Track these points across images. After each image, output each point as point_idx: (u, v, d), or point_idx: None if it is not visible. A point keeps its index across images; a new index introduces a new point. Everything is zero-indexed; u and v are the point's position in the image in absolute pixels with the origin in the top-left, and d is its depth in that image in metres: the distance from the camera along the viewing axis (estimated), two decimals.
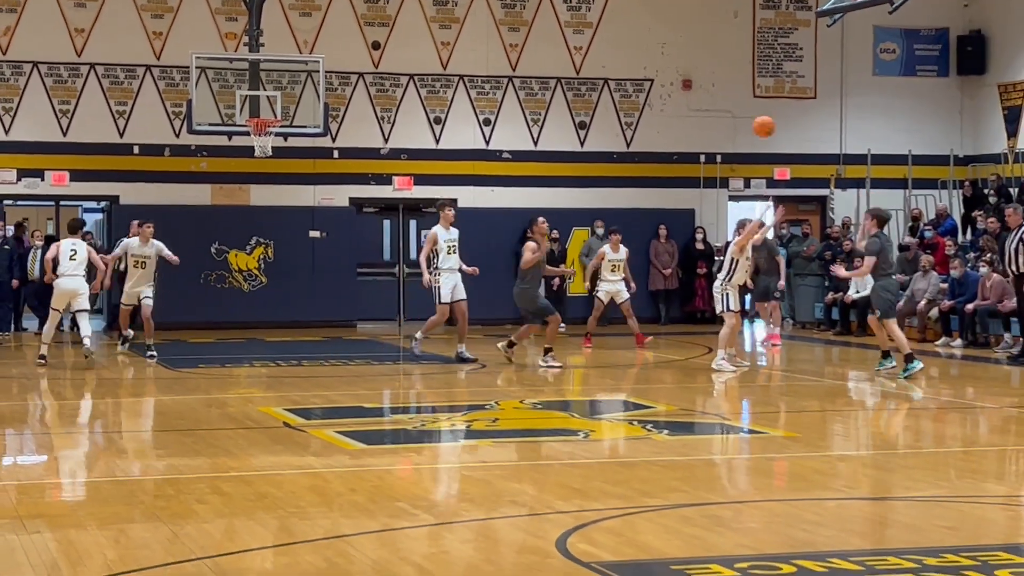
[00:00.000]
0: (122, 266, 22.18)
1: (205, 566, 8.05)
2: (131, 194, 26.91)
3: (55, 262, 20.37)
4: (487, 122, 28.92)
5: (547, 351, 20.05)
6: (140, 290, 21.39)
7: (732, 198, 30.48)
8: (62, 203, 28.64)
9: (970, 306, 23.17)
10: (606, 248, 23.36)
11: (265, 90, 24.09)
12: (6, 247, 25.61)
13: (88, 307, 20.70)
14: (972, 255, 25.19)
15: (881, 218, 18.78)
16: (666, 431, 13.77)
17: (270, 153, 23.96)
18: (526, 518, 9.45)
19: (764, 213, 23.33)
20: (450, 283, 20.69)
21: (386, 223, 29.07)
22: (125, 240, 21.86)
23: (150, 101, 27.31)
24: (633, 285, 23.71)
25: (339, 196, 28.35)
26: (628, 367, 21.20)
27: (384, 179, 28.58)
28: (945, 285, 24.21)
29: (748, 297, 25.88)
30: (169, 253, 21.33)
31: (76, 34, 26.95)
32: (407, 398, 18.14)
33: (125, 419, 15.35)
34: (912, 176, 30.52)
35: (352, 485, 10.60)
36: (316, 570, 8.00)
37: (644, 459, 12.12)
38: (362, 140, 28.33)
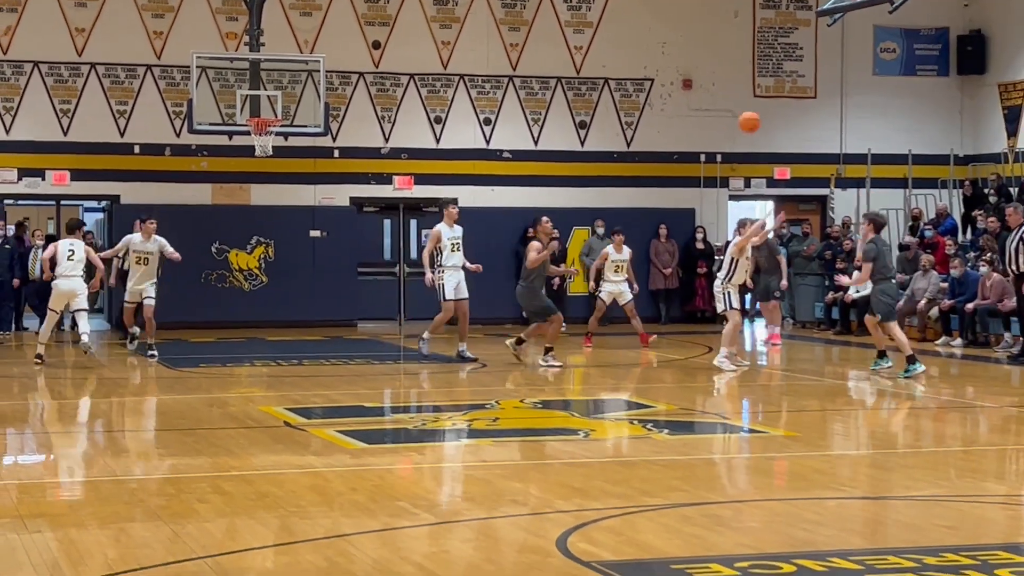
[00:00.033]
0: (125, 264, 22.13)
1: (206, 565, 8.05)
2: (132, 194, 26.92)
3: (53, 261, 20.39)
4: (487, 122, 28.94)
5: (547, 350, 20.05)
6: (143, 288, 21.37)
7: (732, 197, 30.50)
8: (63, 202, 28.66)
9: (970, 305, 23.18)
10: (609, 249, 23.34)
11: (266, 90, 24.10)
12: (7, 246, 25.62)
13: (87, 306, 20.70)
14: (972, 254, 25.20)
15: (878, 223, 18.88)
16: (666, 430, 13.78)
17: (270, 153, 23.97)
18: (527, 517, 9.46)
19: (767, 216, 23.35)
20: (453, 281, 20.65)
21: (387, 222, 29.07)
22: (128, 236, 21.82)
23: (151, 101, 27.33)
24: (636, 286, 23.72)
25: (340, 196, 28.36)
26: (628, 366, 21.21)
27: (384, 179, 28.59)
28: (945, 284, 24.22)
29: (748, 296, 25.92)
30: (171, 249, 21.33)
31: (77, 34, 26.97)
32: (408, 397, 18.16)
33: (126, 418, 15.36)
34: (912, 176, 30.52)
35: (353, 484, 10.61)
36: (317, 569, 8.00)
37: (644, 458, 12.13)
38: (362, 140, 28.34)
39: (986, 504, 10.20)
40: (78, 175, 27.11)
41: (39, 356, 20.05)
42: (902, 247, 27.32)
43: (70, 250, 20.46)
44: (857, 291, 24.67)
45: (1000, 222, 23.96)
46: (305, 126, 24.72)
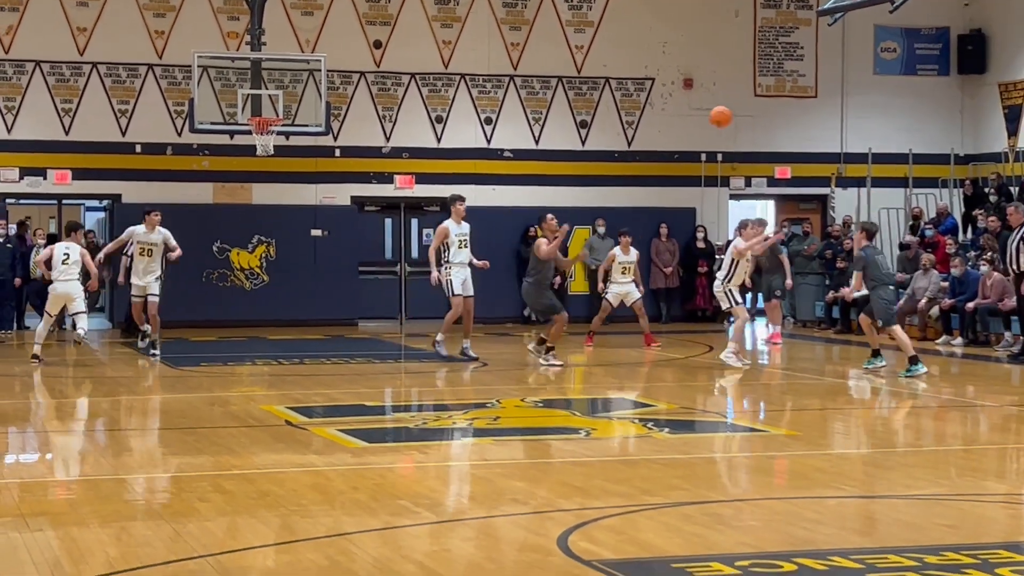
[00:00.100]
0: (129, 251, 21.94)
1: (207, 564, 8.06)
2: (133, 193, 26.94)
3: (50, 264, 20.44)
4: (488, 121, 28.95)
5: (549, 349, 20.05)
6: (147, 283, 21.32)
7: (733, 197, 30.53)
8: (64, 202, 28.68)
9: (971, 305, 23.20)
10: (616, 250, 23.30)
11: (267, 89, 24.10)
12: (8, 246, 25.66)
13: (84, 309, 20.73)
14: (973, 254, 25.22)
15: (870, 231, 19.16)
16: (667, 429, 13.79)
17: (272, 152, 23.98)
18: (527, 516, 9.47)
19: (769, 229, 23.36)
20: (460, 277, 20.52)
21: (388, 222, 29.09)
22: (131, 228, 21.77)
23: (152, 100, 27.36)
24: (642, 287, 23.73)
25: (341, 195, 28.38)
26: (629, 366, 21.21)
27: (386, 178, 28.61)
28: (946, 284, 24.23)
29: (749, 295, 25.94)
30: (174, 243, 21.34)
31: (78, 33, 26.99)
32: (409, 396, 18.16)
33: (127, 417, 15.37)
34: (913, 175, 30.54)
35: (354, 483, 10.62)
36: (318, 568, 8.01)
37: (645, 457, 12.14)
38: (364, 139, 28.36)
39: (987, 503, 10.20)
40: (80, 174, 27.13)
41: (36, 356, 20.08)
42: (903, 246, 27.34)
43: (65, 253, 20.48)
44: (857, 290, 24.70)
45: (1001, 221, 23.97)
46: (306, 125, 24.72)
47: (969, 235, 27.79)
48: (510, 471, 11.41)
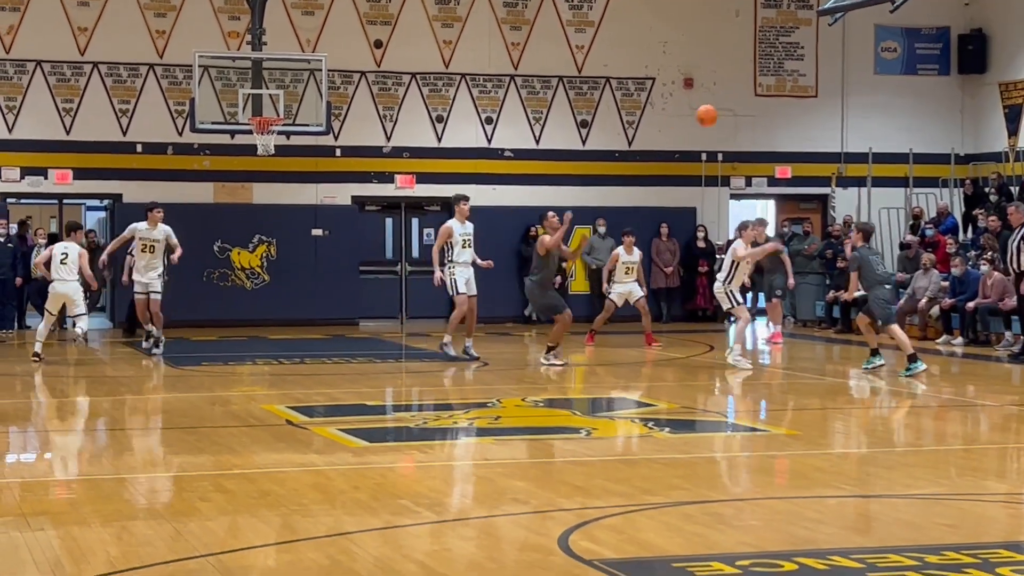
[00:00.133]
0: (132, 249, 21.90)
1: (208, 563, 8.07)
2: (134, 192, 26.94)
3: (48, 265, 20.48)
4: (489, 120, 28.96)
5: (549, 349, 20.04)
6: (149, 280, 21.32)
7: (733, 196, 30.54)
8: (65, 201, 28.70)
9: (971, 304, 23.20)
10: (620, 250, 23.28)
11: (268, 89, 24.11)
12: (9, 245, 25.67)
13: (84, 311, 20.74)
14: (973, 253, 25.23)
15: (866, 232, 19.26)
16: (668, 429, 13.80)
17: (273, 151, 23.99)
18: (528, 515, 9.48)
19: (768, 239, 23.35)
20: (464, 276, 20.45)
21: (388, 221, 29.11)
22: (133, 224, 21.76)
23: (153, 100, 27.37)
24: (645, 288, 23.74)
25: (341, 194, 28.39)
26: (630, 365, 21.22)
27: (386, 177, 28.62)
28: (946, 283, 24.25)
29: (749, 295, 25.95)
30: (175, 240, 21.36)
31: (79, 33, 27.00)
32: (409, 396, 18.17)
33: (128, 416, 15.37)
34: (913, 174, 30.55)
35: (355, 483, 10.63)
36: (319, 567, 8.02)
37: (646, 457, 12.15)
38: (364, 138, 28.37)
39: (987, 502, 10.21)
40: (80, 174, 27.14)
41: (36, 354, 20.11)
42: (903, 246, 27.36)
43: (63, 253, 20.50)
44: (858, 289, 24.70)
45: (1001, 221, 23.98)
46: (307, 125, 24.74)
47: (969, 235, 27.80)
48: (511, 471, 11.42)
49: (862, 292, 19.00)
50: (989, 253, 23.70)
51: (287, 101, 24.27)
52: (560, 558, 8.17)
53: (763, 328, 26.29)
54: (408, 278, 28.80)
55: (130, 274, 22.09)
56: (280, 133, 24.24)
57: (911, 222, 29.04)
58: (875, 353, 18.94)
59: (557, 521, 9.14)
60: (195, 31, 26.97)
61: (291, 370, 19.64)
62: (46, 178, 27.09)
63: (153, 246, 21.36)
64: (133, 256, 21.93)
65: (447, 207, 28.19)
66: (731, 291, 19.91)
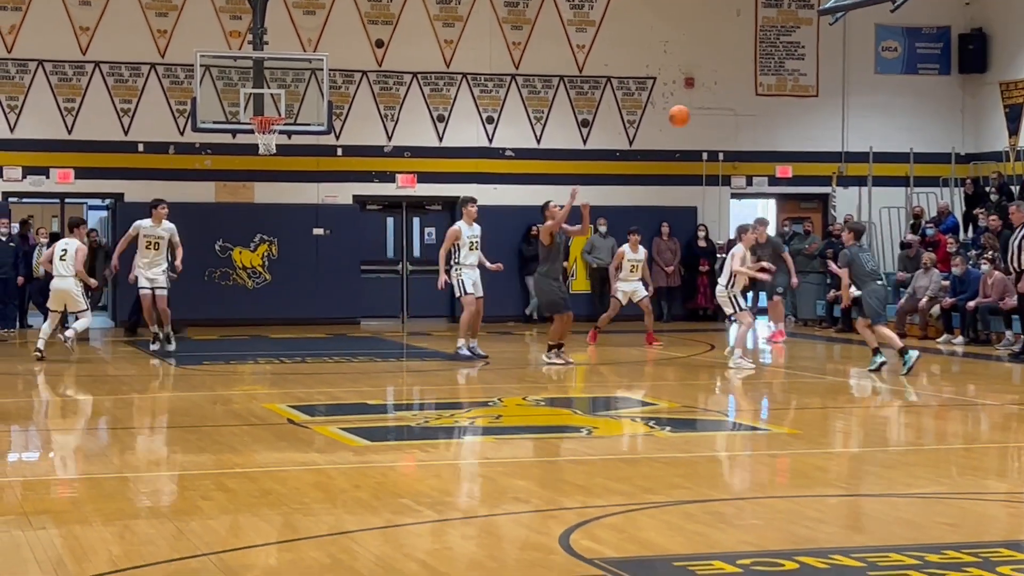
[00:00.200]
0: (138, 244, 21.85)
1: (210, 562, 8.08)
2: (135, 192, 26.94)
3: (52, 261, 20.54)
4: (490, 120, 28.97)
5: (550, 347, 20.02)
6: (155, 277, 21.30)
7: (734, 196, 30.55)
8: (67, 201, 28.69)
9: (971, 303, 23.22)
10: (626, 248, 23.23)
11: (269, 88, 24.14)
12: (11, 244, 25.67)
13: (84, 307, 20.72)
14: (973, 252, 25.24)
15: (857, 231, 19.30)
16: (669, 428, 13.81)
17: (274, 151, 24.01)
18: (529, 514, 9.49)
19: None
20: (471, 278, 20.35)
21: (389, 220, 29.12)
22: (137, 221, 21.73)
23: (155, 99, 27.38)
24: (651, 287, 23.73)
25: (343, 194, 28.40)
26: (631, 364, 21.22)
27: (387, 177, 28.63)
28: (947, 282, 24.26)
29: (749, 294, 25.95)
30: (178, 239, 21.36)
31: (81, 32, 27.02)
32: (411, 395, 18.18)
33: (129, 415, 15.38)
34: (914, 174, 30.57)
35: (356, 481, 10.64)
36: (320, 566, 8.03)
37: (647, 456, 12.17)
38: (366, 138, 28.38)
39: (988, 501, 10.23)
40: (82, 173, 27.15)
41: (39, 350, 20.14)
42: (904, 245, 27.39)
43: (63, 250, 20.54)
44: (858, 289, 24.71)
45: (1002, 220, 23.99)
46: (308, 124, 24.77)
47: (970, 234, 27.82)
48: (512, 469, 11.43)
49: (858, 292, 19.02)
50: (990, 252, 23.71)
51: (288, 100, 24.29)
52: (561, 557, 8.18)
53: (764, 327, 26.26)
54: (409, 277, 28.82)
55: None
56: (281, 132, 24.25)
57: (912, 221, 29.07)
58: (876, 352, 18.96)
59: (558, 520, 9.15)
60: (197, 31, 26.98)
61: (292, 369, 19.65)
62: (48, 177, 27.10)
63: (157, 243, 21.37)
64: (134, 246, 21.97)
65: (448, 206, 28.39)
66: (734, 295, 19.91)
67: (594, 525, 9.03)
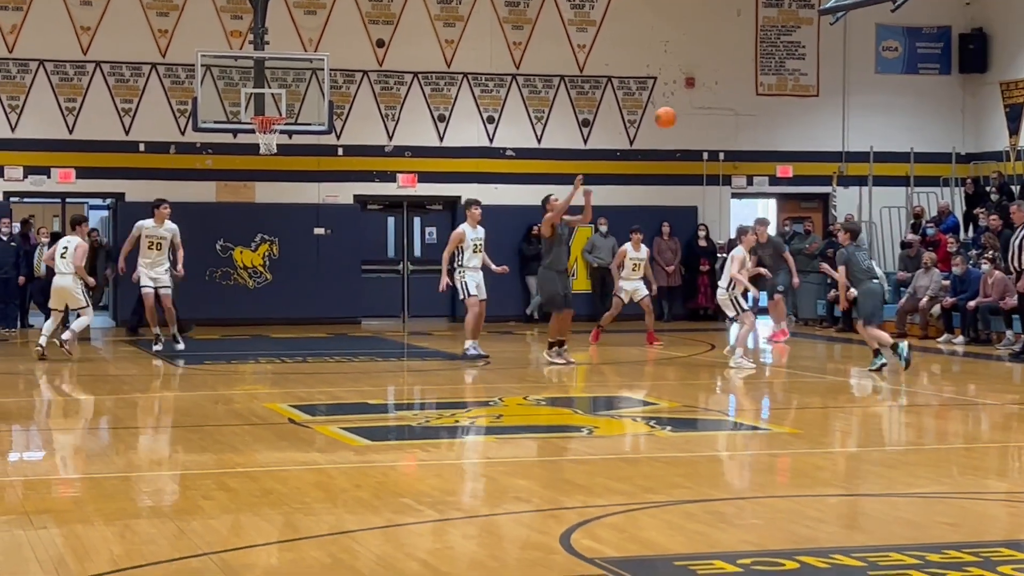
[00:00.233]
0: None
1: (211, 561, 8.08)
2: (137, 191, 26.94)
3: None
4: (491, 120, 28.98)
5: (551, 346, 19.99)
6: (158, 276, 21.28)
7: (735, 195, 30.55)
8: (68, 200, 28.68)
9: (972, 303, 23.22)
10: (628, 247, 23.20)
11: (270, 88, 24.15)
12: (12, 244, 25.68)
13: (84, 304, 20.71)
14: (974, 252, 25.24)
15: (853, 231, 19.40)
16: (669, 427, 13.82)
17: (275, 151, 24.01)
18: (530, 514, 9.50)
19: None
20: (475, 280, 20.23)
21: (390, 220, 29.13)
22: (139, 222, 21.70)
23: (156, 99, 27.38)
24: (655, 286, 23.73)
25: (344, 193, 28.41)
26: (632, 364, 21.23)
27: (388, 176, 28.64)
28: (947, 282, 24.26)
29: (750, 294, 25.94)
30: (179, 241, 21.34)
31: (82, 32, 27.02)
32: (411, 394, 18.18)
33: (131, 415, 15.38)
34: (914, 173, 30.57)
35: (357, 481, 10.65)
36: (321, 566, 8.04)
37: (648, 455, 12.18)
38: (366, 138, 28.38)
39: (988, 501, 10.23)
40: (83, 173, 27.15)
41: (40, 346, 20.18)
42: (904, 245, 27.39)
43: (64, 247, 20.56)
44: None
45: (1002, 220, 24.00)
46: (309, 124, 24.79)
47: (970, 234, 27.82)
48: (512, 469, 11.44)
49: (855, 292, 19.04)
50: (990, 252, 23.71)
51: (289, 100, 24.31)
52: (562, 556, 8.19)
53: (765, 326, 26.25)
54: (410, 277, 28.82)
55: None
56: (282, 132, 24.25)
57: (912, 221, 29.07)
58: (877, 353, 18.96)
59: (559, 519, 9.17)
60: (198, 30, 26.99)
61: (293, 369, 19.66)
62: (49, 177, 27.11)
63: (159, 243, 21.35)
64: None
65: (449, 206, 28.41)
66: (735, 297, 19.92)
67: (595, 525, 9.04)
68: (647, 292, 23.15)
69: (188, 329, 22.88)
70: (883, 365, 18.67)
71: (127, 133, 27.30)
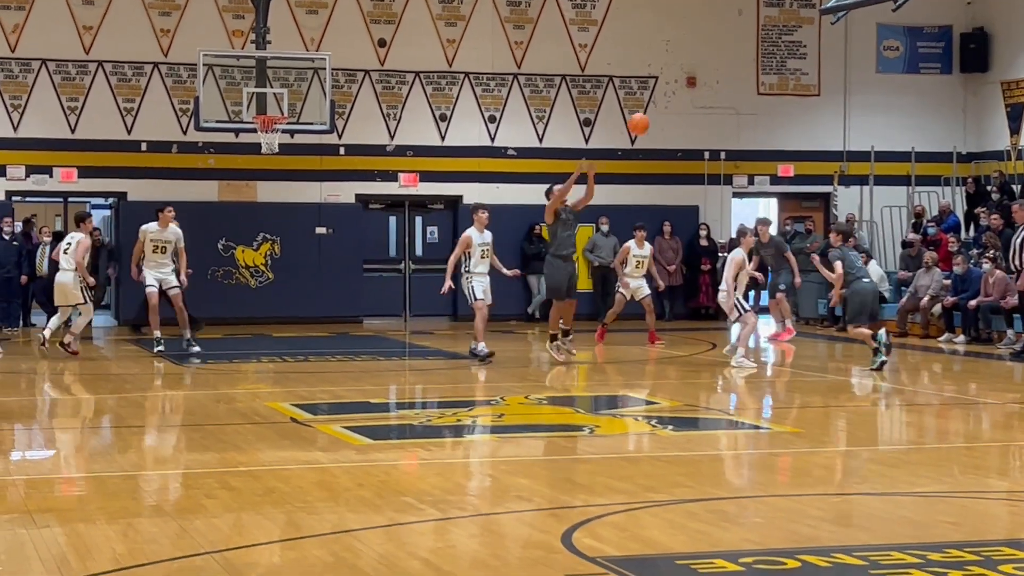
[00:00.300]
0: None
1: (213, 560, 8.10)
2: (139, 190, 26.96)
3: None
4: (492, 119, 28.98)
5: (553, 337, 19.94)
6: (164, 277, 21.20)
7: (736, 195, 30.55)
8: (70, 199, 28.70)
9: (973, 302, 23.22)
10: (631, 244, 23.18)
11: (272, 87, 24.15)
12: (14, 243, 25.68)
13: (83, 300, 20.71)
14: (975, 251, 25.24)
15: (845, 233, 19.65)
16: (671, 426, 13.83)
17: (277, 150, 24.00)
18: (532, 513, 9.51)
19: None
20: (482, 284, 20.07)
21: (392, 219, 29.13)
22: (143, 226, 21.63)
23: (158, 98, 27.38)
24: (659, 283, 23.73)
25: (345, 192, 28.41)
26: (633, 363, 21.24)
27: (390, 176, 28.64)
28: (948, 281, 24.27)
29: (751, 293, 25.97)
30: (183, 245, 21.31)
31: (84, 31, 27.03)
32: (413, 393, 18.19)
33: (133, 414, 15.40)
34: (915, 173, 30.57)
35: (359, 480, 10.66)
36: (323, 564, 8.05)
37: (649, 454, 12.19)
38: (368, 137, 28.38)
39: (989, 500, 10.24)
40: (85, 172, 27.15)
41: (42, 339, 20.23)
42: (905, 244, 27.40)
43: (68, 243, 20.59)
44: None
45: (1003, 219, 24.01)
46: (311, 123, 24.80)
47: (971, 233, 27.83)
48: (514, 468, 11.46)
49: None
50: (991, 251, 23.71)
51: (291, 100, 24.30)
52: (563, 555, 8.20)
53: (765, 326, 26.27)
54: (412, 276, 28.83)
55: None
56: (284, 131, 24.24)
57: (913, 220, 29.08)
58: (876, 352, 18.98)
59: (561, 518, 9.18)
60: (199, 30, 27.00)
61: (295, 368, 19.68)
62: (51, 176, 27.11)
63: (164, 247, 21.27)
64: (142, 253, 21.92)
65: (450, 205, 28.43)
66: (737, 298, 19.92)
67: (597, 523, 9.05)
68: (649, 291, 23.15)
69: (198, 327, 22.79)
70: (883, 364, 18.69)
71: (129, 132, 27.31)
